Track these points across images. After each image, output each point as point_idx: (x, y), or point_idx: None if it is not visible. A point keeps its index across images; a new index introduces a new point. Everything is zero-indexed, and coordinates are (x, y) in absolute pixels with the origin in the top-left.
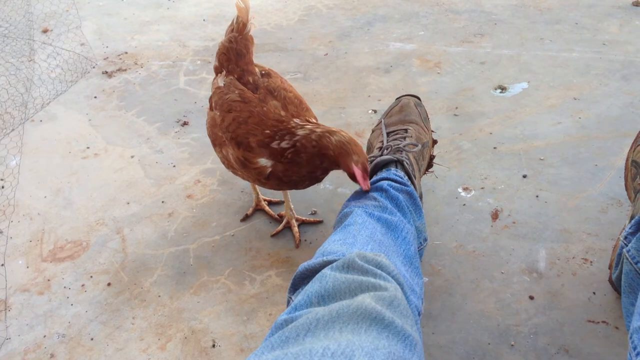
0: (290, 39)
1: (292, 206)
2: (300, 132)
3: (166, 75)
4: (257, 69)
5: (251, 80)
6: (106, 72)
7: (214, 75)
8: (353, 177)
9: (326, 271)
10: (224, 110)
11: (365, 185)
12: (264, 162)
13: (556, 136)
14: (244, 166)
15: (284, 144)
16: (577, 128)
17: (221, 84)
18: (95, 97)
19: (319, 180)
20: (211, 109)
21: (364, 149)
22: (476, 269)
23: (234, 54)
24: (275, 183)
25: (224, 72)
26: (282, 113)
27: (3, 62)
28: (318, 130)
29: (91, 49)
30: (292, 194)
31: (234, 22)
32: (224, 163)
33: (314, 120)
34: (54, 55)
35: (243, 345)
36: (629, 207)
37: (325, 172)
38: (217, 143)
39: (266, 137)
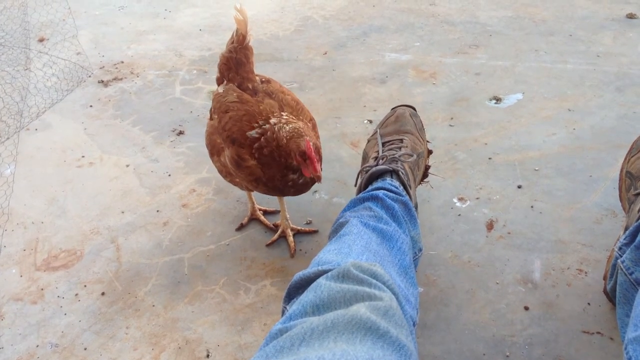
0: (286, 49)
1: (287, 216)
2: (272, 120)
3: (162, 84)
4: (257, 78)
5: (250, 87)
6: (102, 81)
7: (210, 84)
8: (303, 155)
9: (321, 281)
10: (221, 111)
11: (315, 166)
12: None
13: (551, 147)
14: (238, 166)
15: (253, 133)
16: (572, 139)
17: (221, 90)
18: (90, 106)
19: (302, 185)
20: (211, 118)
21: (360, 159)
22: (471, 279)
23: (234, 63)
24: (263, 187)
25: (225, 82)
26: (277, 112)
27: None
28: (281, 122)
29: (87, 58)
30: (288, 204)
31: (234, 34)
32: (221, 172)
33: (301, 120)
34: (49, 64)
35: (237, 355)
36: (624, 218)
37: (296, 172)
38: (214, 151)
39: (250, 129)
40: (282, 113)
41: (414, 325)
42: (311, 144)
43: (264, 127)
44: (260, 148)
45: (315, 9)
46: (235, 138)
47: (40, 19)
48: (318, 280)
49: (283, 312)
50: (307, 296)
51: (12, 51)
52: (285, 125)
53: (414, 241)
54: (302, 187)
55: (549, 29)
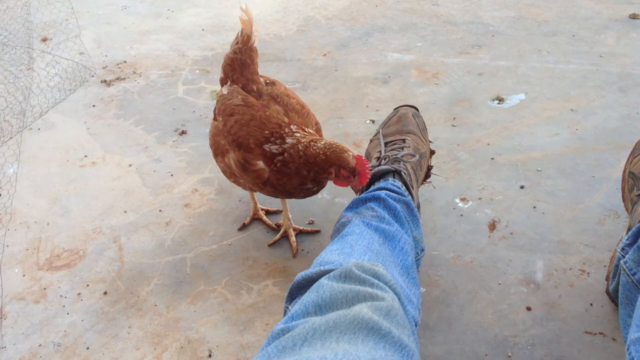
0: (288, 49)
1: (290, 216)
2: (289, 140)
3: (165, 84)
4: (262, 79)
5: (255, 89)
6: (105, 81)
7: (212, 84)
8: (352, 172)
9: (323, 281)
10: (226, 114)
11: (365, 179)
12: (263, 164)
13: (553, 147)
14: (244, 169)
15: (273, 149)
16: (574, 139)
17: (225, 92)
18: (93, 105)
19: (313, 192)
20: (215, 119)
21: None
22: (473, 279)
23: (239, 64)
24: (271, 190)
25: (228, 83)
26: (285, 119)
27: (2, 71)
28: (304, 140)
29: (90, 57)
30: (290, 204)
31: (239, 35)
32: (225, 173)
33: (309, 130)
34: (52, 64)
35: (239, 355)
36: (626, 218)
37: (316, 183)
38: (218, 152)
39: (263, 137)
40: (292, 126)
41: (416, 325)
42: (359, 158)
43: (283, 146)
44: (285, 162)
45: (317, 9)
46: (242, 143)
47: (44, 19)
48: (320, 280)
49: (285, 312)
50: (309, 296)
51: (15, 51)
52: (313, 143)
53: (416, 241)
54: (312, 192)
55: (552, 30)
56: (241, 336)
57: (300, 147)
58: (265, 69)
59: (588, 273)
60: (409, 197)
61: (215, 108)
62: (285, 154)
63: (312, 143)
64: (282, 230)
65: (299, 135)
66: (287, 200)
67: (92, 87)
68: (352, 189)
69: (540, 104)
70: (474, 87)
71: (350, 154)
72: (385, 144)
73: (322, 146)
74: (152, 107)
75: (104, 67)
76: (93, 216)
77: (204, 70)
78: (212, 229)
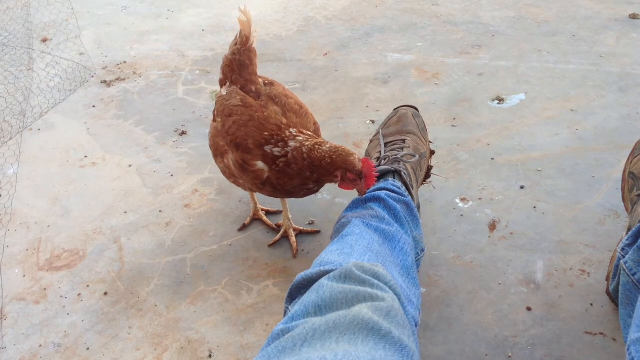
0: (288, 49)
1: (290, 216)
2: (292, 143)
3: (165, 84)
4: (260, 80)
5: (254, 89)
6: (105, 82)
7: (212, 85)
8: (359, 175)
9: (323, 281)
10: (225, 115)
11: (374, 179)
12: (262, 165)
13: (553, 148)
14: (243, 170)
15: (275, 151)
16: (574, 140)
17: (224, 93)
18: (93, 106)
19: (313, 191)
20: (214, 120)
21: None
22: (474, 279)
23: (237, 65)
24: (270, 190)
25: (227, 84)
26: (284, 120)
27: (2, 71)
28: (307, 143)
29: (90, 58)
30: (290, 204)
31: (238, 36)
32: (225, 173)
33: (308, 132)
34: (52, 65)
35: (240, 355)
36: (626, 218)
37: (318, 184)
38: (218, 153)
39: (263, 138)
40: (291, 130)
41: (416, 325)
42: (366, 160)
43: (286, 149)
44: (288, 163)
45: (317, 10)
46: (240, 143)
47: (44, 20)
48: (320, 281)
49: (285, 313)
50: (309, 297)
51: (15, 51)
52: (318, 146)
53: (416, 242)
54: (312, 191)
55: (552, 30)
56: (241, 337)
57: (304, 150)
58: (265, 70)
59: (588, 273)
60: (409, 198)
61: (214, 109)
62: (289, 155)
63: (316, 146)
64: (282, 231)
65: (300, 138)
66: (287, 201)
67: (92, 87)
68: (358, 192)
69: (540, 104)
70: (474, 87)
71: (357, 156)
72: (385, 144)
73: (327, 149)
74: (152, 108)
75: (104, 68)
76: (93, 217)
77: (204, 70)
78: (212, 229)
